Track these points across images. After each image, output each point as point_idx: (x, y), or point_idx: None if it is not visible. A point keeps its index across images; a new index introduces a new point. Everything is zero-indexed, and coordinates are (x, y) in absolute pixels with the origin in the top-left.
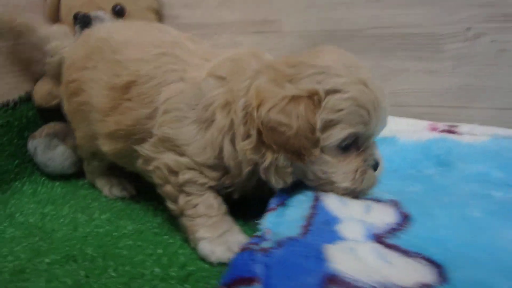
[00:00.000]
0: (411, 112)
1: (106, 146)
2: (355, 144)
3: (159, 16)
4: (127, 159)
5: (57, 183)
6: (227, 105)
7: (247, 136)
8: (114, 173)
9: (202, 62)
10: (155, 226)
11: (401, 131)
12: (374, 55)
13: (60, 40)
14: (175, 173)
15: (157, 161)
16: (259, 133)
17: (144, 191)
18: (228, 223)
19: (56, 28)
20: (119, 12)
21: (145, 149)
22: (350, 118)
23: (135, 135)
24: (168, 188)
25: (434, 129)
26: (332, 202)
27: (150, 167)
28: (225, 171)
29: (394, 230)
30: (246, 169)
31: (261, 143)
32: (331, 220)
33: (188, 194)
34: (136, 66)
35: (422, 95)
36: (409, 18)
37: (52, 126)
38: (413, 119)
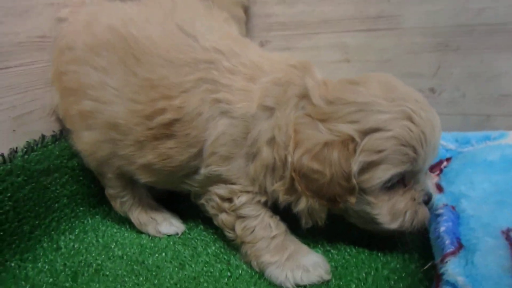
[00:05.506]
0: None
1: (145, 177)
2: (401, 182)
3: (248, 12)
4: (173, 185)
5: None
6: (272, 140)
7: (281, 177)
8: (150, 200)
9: (246, 84)
10: None
11: None
12: None
13: None
14: (229, 199)
15: (208, 194)
16: (292, 177)
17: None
18: (294, 243)
19: None
20: None
21: (193, 186)
22: (393, 158)
23: (181, 172)
24: (224, 217)
25: None
26: None
27: (202, 201)
28: None
29: None
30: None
31: (294, 187)
32: None
33: (244, 218)
34: (178, 98)
35: None
36: None
37: None
38: None
